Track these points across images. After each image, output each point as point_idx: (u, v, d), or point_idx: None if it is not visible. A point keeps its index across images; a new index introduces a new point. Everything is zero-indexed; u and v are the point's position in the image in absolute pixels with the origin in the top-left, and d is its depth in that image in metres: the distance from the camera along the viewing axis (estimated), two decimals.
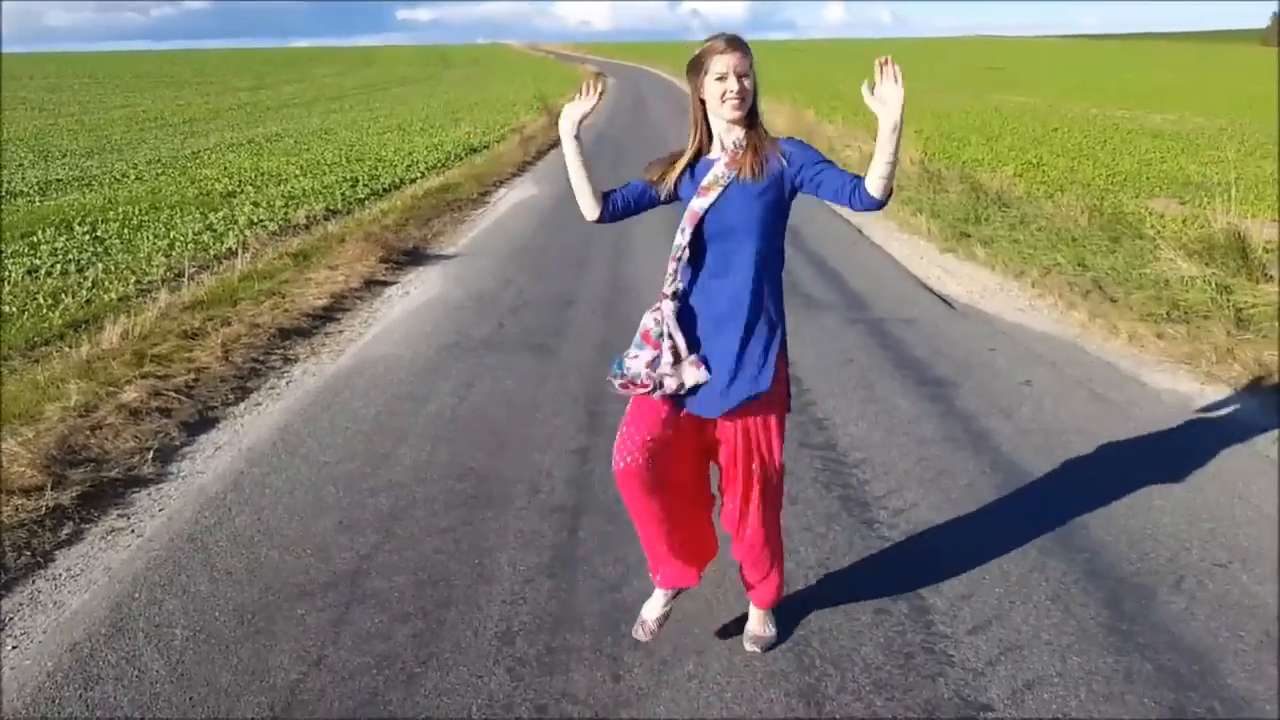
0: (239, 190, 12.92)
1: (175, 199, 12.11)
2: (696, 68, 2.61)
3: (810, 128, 18.85)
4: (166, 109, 30.75)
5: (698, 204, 2.61)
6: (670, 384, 2.64)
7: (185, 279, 7.75)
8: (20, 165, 16.21)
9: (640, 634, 3.00)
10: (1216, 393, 5.19)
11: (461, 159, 16.44)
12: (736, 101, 2.55)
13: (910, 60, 73.30)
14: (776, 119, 20.86)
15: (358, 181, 13.68)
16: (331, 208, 11.65)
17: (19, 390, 5.14)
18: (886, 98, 2.42)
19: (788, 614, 3.16)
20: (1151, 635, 3.04)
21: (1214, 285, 6.75)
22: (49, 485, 4.04)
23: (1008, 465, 4.33)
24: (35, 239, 9.61)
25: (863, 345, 6.08)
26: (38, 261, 8.58)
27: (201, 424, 4.96)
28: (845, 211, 11.15)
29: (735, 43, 2.57)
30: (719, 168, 2.61)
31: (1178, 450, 4.43)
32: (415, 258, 8.86)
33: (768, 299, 2.70)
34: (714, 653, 2.99)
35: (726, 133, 2.64)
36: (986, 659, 2.93)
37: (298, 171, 14.68)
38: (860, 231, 10.03)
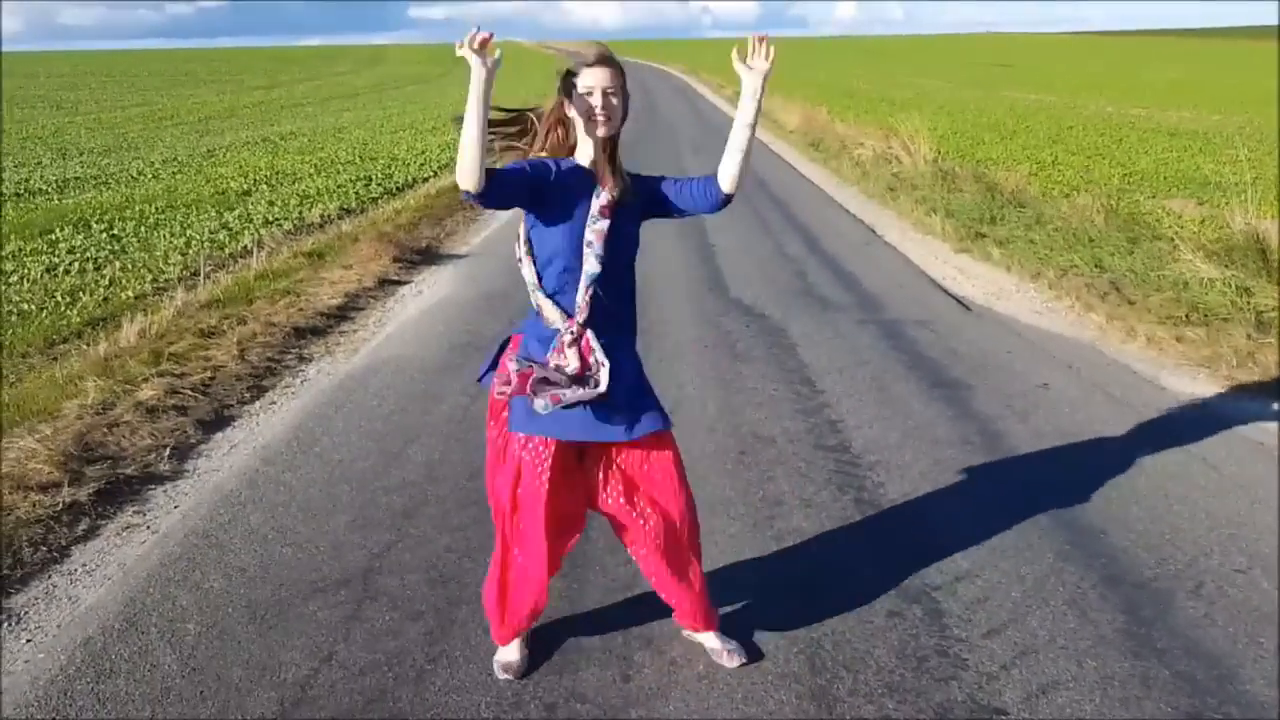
0: (254, 189, 12.97)
1: (191, 197, 12.16)
2: (567, 86, 2.54)
3: (823, 126, 18.80)
4: (182, 107, 30.91)
5: (603, 225, 2.53)
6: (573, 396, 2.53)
7: (201, 278, 7.78)
8: (39, 163, 16.30)
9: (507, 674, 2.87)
10: (1237, 397, 5.15)
11: None
12: (604, 116, 2.49)
13: (922, 57, 73.06)
14: (789, 118, 20.82)
15: (371, 180, 13.72)
16: (345, 207, 11.68)
17: (37, 387, 5.18)
18: (754, 64, 2.44)
19: (801, 616, 3.15)
20: (1169, 640, 3.01)
21: (1234, 287, 6.70)
22: (66, 482, 4.06)
23: (1024, 468, 4.31)
24: (54, 237, 9.66)
25: (877, 347, 6.06)
26: (56, 259, 8.63)
27: (217, 422, 4.97)
28: (859, 211, 11.14)
29: (605, 59, 2.51)
30: (602, 188, 2.54)
31: (1197, 455, 4.39)
32: (428, 257, 8.88)
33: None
34: None
35: (596, 151, 2.57)
36: (1001, 663, 2.91)
37: (312, 170, 14.73)
38: (874, 232, 10.00)
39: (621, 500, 2.73)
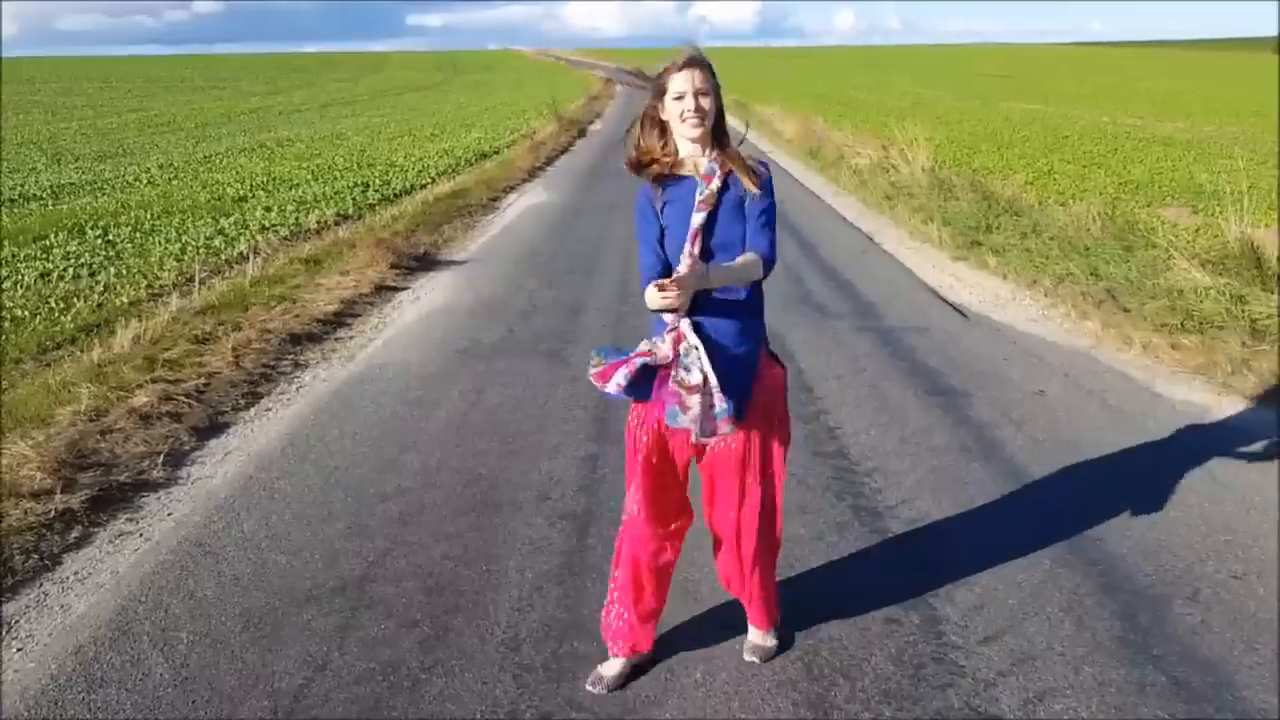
0: (250, 195, 12.96)
1: (187, 203, 12.15)
2: (658, 87, 2.57)
3: (820, 135, 18.83)
4: (179, 113, 30.92)
5: (696, 219, 2.52)
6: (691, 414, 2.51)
7: (196, 284, 7.76)
8: (33, 169, 16.29)
9: (596, 687, 2.83)
10: (1232, 404, 5.14)
11: (472, 164, 16.49)
12: (695, 119, 2.51)
13: (919, 67, 73.29)
14: (786, 126, 20.86)
15: (369, 187, 13.71)
16: (343, 213, 11.67)
17: (30, 394, 5.15)
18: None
19: (797, 623, 3.13)
20: (1166, 647, 3.01)
21: (1228, 295, 6.70)
22: (58, 489, 4.04)
23: (1021, 475, 4.30)
24: (48, 243, 9.64)
25: (874, 354, 6.05)
26: (50, 265, 8.60)
27: (212, 429, 4.96)
28: (856, 219, 11.15)
29: (695, 61, 2.53)
30: (709, 184, 2.54)
31: (1193, 462, 4.38)
32: (426, 263, 8.87)
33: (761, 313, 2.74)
34: (722, 661, 2.97)
35: (696, 153, 2.59)
36: (998, 670, 2.89)
37: (309, 176, 14.72)
38: (871, 240, 10.00)
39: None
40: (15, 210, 11.88)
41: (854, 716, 2.70)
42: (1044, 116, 27.27)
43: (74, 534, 3.84)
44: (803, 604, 3.25)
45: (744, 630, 3.05)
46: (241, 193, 13.12)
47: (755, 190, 2.54)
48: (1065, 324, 6.75)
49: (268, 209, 11.77)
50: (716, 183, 2.53)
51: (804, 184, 14.37)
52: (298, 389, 5.58)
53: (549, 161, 17.11)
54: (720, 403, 2.47)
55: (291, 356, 6.13)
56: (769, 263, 2.56)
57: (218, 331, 6.26)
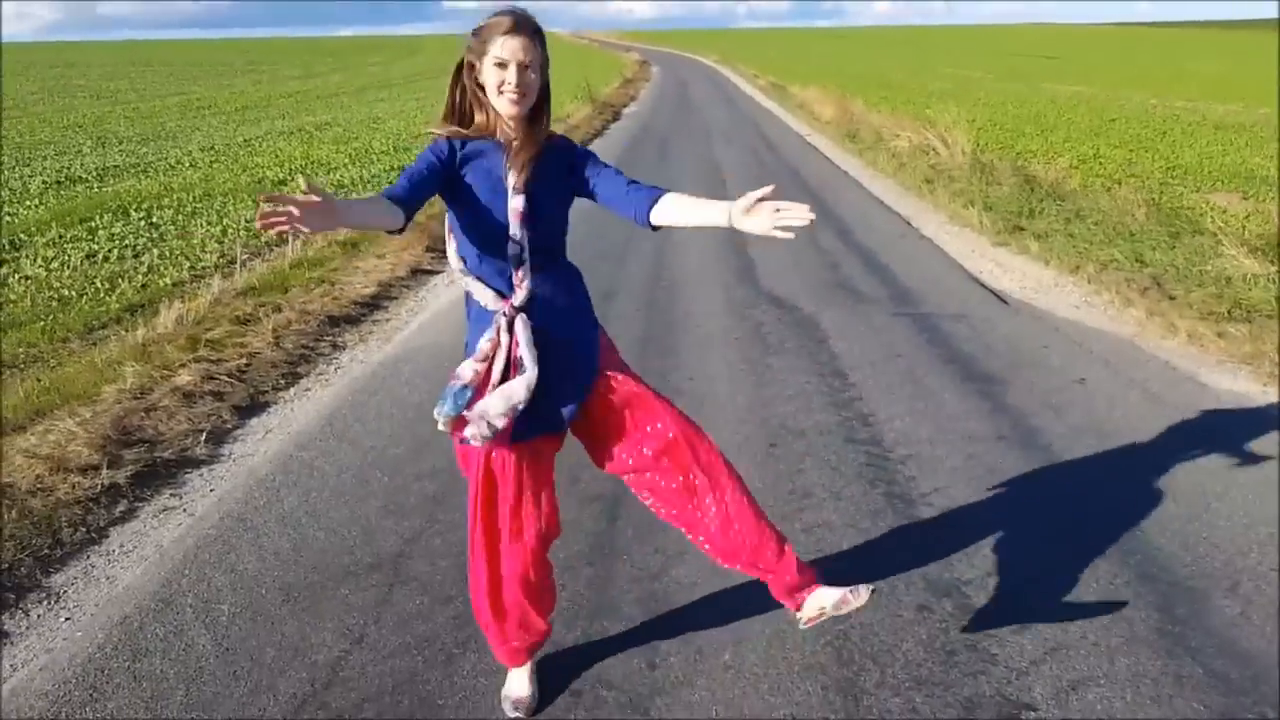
0: (290, 178, 13.08)
1: (228, 186, 12.29)
2: (478, 43, 2.25)
3: (858, 117, 18.66)
4: (219, 97, 31.20)
5: (517, 203, 2.29)
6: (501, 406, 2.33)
7: (238, 266, 7.87)
8: (79, 151, 16.54)
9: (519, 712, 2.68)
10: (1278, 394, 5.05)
11: None
12: (515, 95, 2.22)
13: (961, 48, 72.26)
14: (825, 109, 20.68)
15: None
16: None
17: (77, 372, 5.26)
18: (761, 222, 2.15)
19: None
20: (1203, 639, 2.97)
21: (1277, 283, 6.58)
22: (105, 464, 4.13)
23: (1058, 464, 4.25)
24: (94, 224, 9.81)
25: (911, 341, 6.01)
26: (96, 246, 8.76)
27: (253, 408, 5.04)
28: (895, 203, 11.05)
29: (525, 25, 2.21)
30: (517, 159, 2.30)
31: (1236, 453, 4.32)
32: None
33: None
34: (751, 643, 2.98)
35: (503, 126, 2.34)
36: (1031, 658, 2.88)
37: (346, 160, 14.83)
38: (909, 224, 9.90)
39: (622, 455, 2.52)
40: (62, 193, 12.09)
41: (884, 702, 2.71)
42: (1089, 99, 26.80)
43: (119, 508, 3.93)
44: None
45: (775, 608, 3.05)
46: (281, 176, 13.25)
47: (519, 174, 2.29)
48: (1108, 311, 6.66)
49: (307, 192, 11.86)
50: (525, 165, 2.29)
51: (841, 167, 14.24)
52: (336, 370, 5.65)
53: (583, 146, 17.09)
54: (497, 416, 2.30)
55: (330, 338, 6.20)
56: (644, 196, 2.32)
57: (258, 313, 6.35)
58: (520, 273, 2.35)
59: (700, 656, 2.91)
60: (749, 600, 3.19)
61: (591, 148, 11.86)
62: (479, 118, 2.35)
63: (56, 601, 3.30)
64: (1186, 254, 7.56)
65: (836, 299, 6.97)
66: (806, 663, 2.88)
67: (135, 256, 8.46)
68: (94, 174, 13.74)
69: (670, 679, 2.81)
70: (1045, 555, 3.47)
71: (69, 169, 14.18)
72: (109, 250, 8.63)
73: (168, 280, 7.57)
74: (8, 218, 10.23)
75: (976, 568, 3.39)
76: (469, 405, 2.33)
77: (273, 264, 8.03)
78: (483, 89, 2.30)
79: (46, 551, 3.57)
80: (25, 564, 3.47)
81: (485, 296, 2.38)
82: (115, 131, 20.16)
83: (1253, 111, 22.85)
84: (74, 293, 7.19)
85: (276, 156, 15.40)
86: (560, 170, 2.37)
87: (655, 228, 2.32)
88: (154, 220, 10.12)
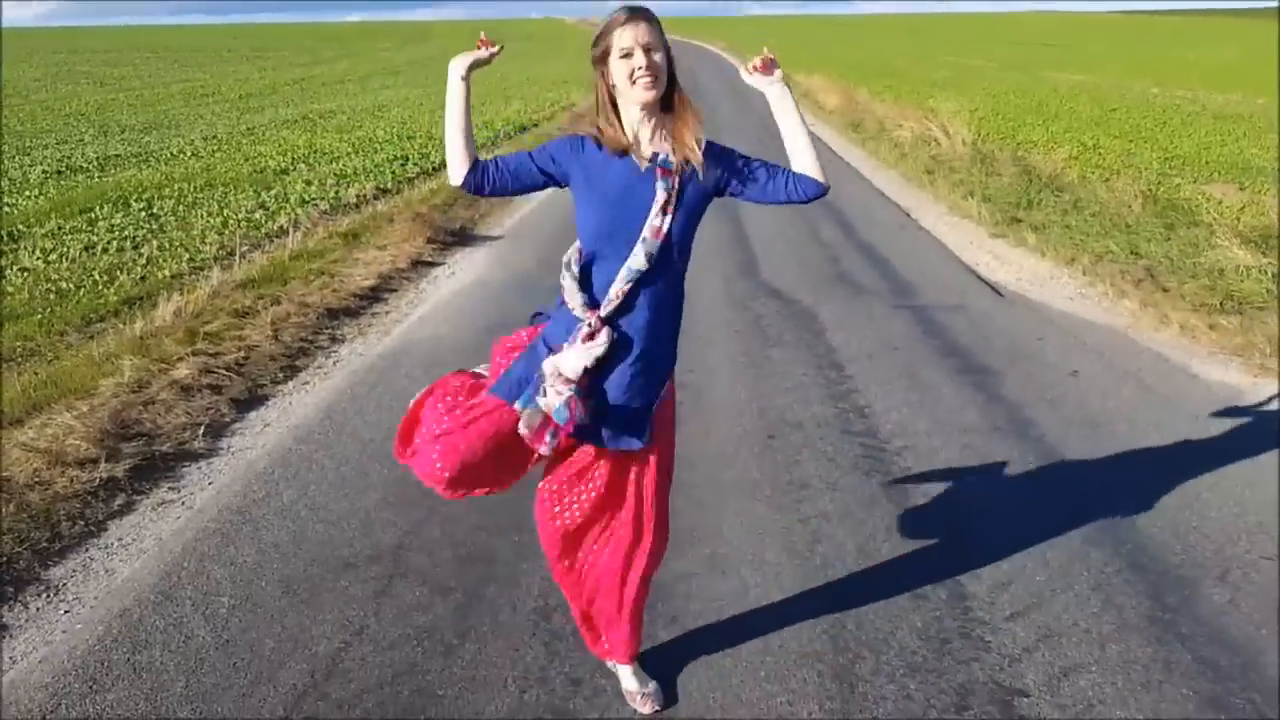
0: (292, 168, 13.06)
1: (230, 176, 12.28)
2: (600, 51, 2.27)
3: (862, 106, 18.63)
4: (223, 84, 31.12)
5: (661, 222, 2.25)
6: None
7: (237, 257, 7.88)
8: (81, 140, 16.52)
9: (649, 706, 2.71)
10: (1269, 386, 5.08)
11: (511, 137, 16.49)
12: (648, 78, 2.20)
13: (964, 36, 72.06)
14: (829, 98, 20.66)
15: (408, 160, 13.77)
16: (381, 186, 11.74)
17: (75, 365, 5.28)
18: (766, 80, 2.32)
19: (825, 597, 3.17)
20: (1193, 626, 3.01)
21: (1270, 275, 6.60)
22: (103, 458, 4.15)
23: (1052, 455, 4.29)
24: (93, 215, 9.80)
25: (908, 332, 6.03)
26: (95, 238, 8.75)
27: (251, 401, 5.06)
28: (896, 194, 11.05)
29: (638, 12, 2.23)
30: (671, 181, 2.26)
31: (1228, 443, 4.36)
32: (462, 238, 8.93)
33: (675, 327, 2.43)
34: (749, 632, 3.01)
35: (643, 124, 2.28)
36: (1023, 645, 2.92)
37: (350, 149, 14.81)
38: (909, 215, 9.92)
39: (587, 507, 2.54)
40: (62, 182, 12.08)
41: (878, 689, 2.74)
42: (1091, 88, 26.75)
43: (118, 502, 3.95)
44: (829, 578, 3.29)
45: (772, 597, 3.09)
46: (283, 165, 13.24)
47: (708, 178, 2.29)
48: (1103, 303, 6.68)
49: (308, 182, 11.87)
50: (676, 181, 2.26)
51: (844, 158, 14.24)
52: (335, 363, 5.67)
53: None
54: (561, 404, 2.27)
55: (329, 331, 6.22)
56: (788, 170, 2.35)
57: (257, 305, 6.37)
58: (626, 287, 2.28)
59: (698, 645, 2.94)
60: (746, 590, 3.23)
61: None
62: (616, 135, 2.31)
63: (56, 594, 3.33)
64: (1181, 246, 7.58)
65: (836, 292, 6.99)
66: (803, 651, 2.92)
67: (134, 248, 8.46)
68: (95, 163, 13.72)
69: (668, 667, 2.84)
70: (1038, 544, 3.50)
71: (70, 158, 14.17)
72: (108, 242, 8.62)
73: (167, 272, 7.57)
74: (6, 208, 10.23)
75: (970, 557, 3.42)
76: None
77: (272, 255, 8.04)
78: (615, 104, 2.30)
79: (45, 545, 3.59)
80: (24, 557, 3.50)
81: (575, 301, 2.33)
82: (118, 119, 20.12)
83: (1251, 101, 22.82)
84: (72, 285, 7.20)
85: (279, 145, 15.38)
86: (706, 186, 2.32)
87: (826, 186, 2.33)
88: (154, 211, 10.12)
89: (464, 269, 7.83)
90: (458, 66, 2.36)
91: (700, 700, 2.73)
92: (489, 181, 2.35)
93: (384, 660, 2.91)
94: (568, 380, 2.27)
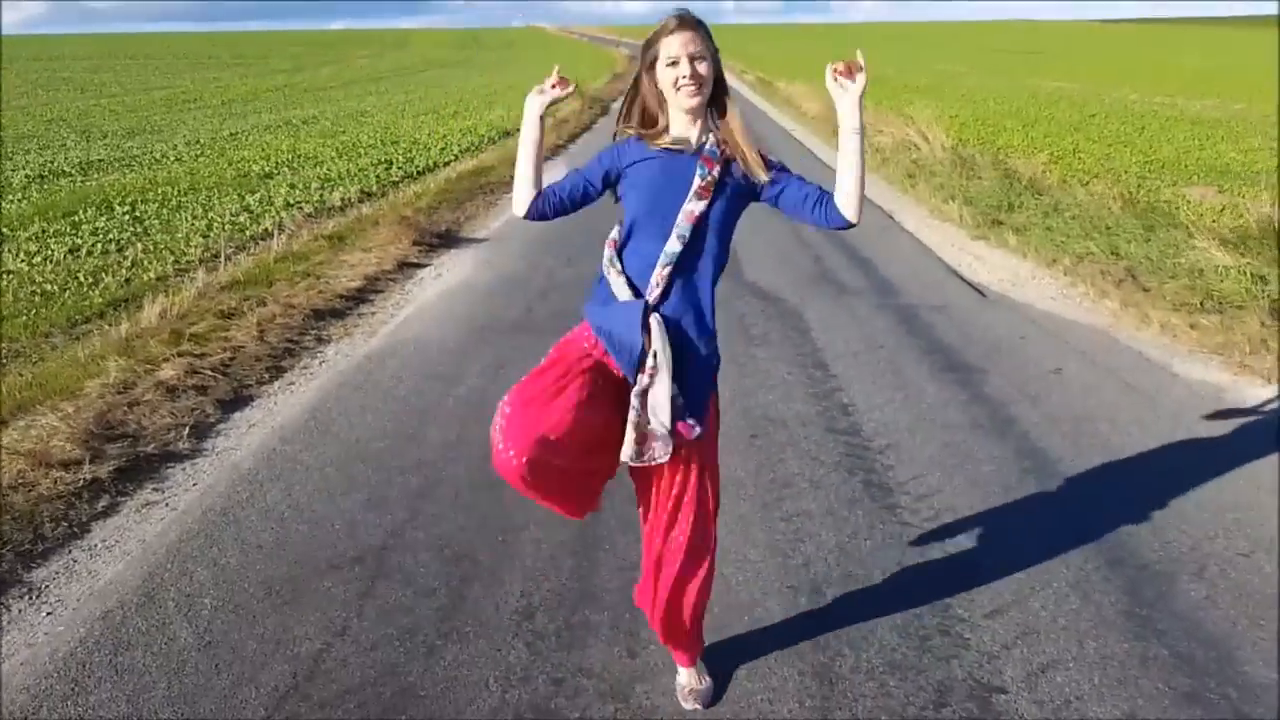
0: (276, 172, 13.05)
1: (213, 180, 12.26)
2: (649, 55, 2.34)
3: None
4: (206, 90, 31.06)
5: (695, 206, 2.31)
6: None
7: (222, 259, 7.86)
8: (64, 145, 16.46)
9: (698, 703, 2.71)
10: (1249, 384, 5.14)
11: (495, 142, 16.50)
12: (692, 87, 2.27)
13: (947, 44, 72.48)
14: (811, 104, 20.74)
15: (392, 164, 13.78)
16: (366, 190, 11.74)
17: (60, 367, 5.27)
18: (848, 85, 2.30)
19: (805, 595, 3.19)
20: (1170, 622, 3.04)
21: (1249, 275, 6.67)
22: (87, 459, 4.14)
23: (1033, 452, 4.32)
24: (77, 218, 9.77)
25: (892, 332, 6.07)
26: (79, 241, 8.73)
27: (236, 402, 5.05)
28: (877, 197, 11.11)
29: (687, 21, 2.29)
30: (710, 169, 2.32)
31: (1206, 440, 4.41)
32: (447, 240, 8.93)
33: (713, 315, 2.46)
34: (730, 631, 3.03)
35: (688, 126, 2.35)
36: (1002, 642, 2.94)
37: (334, 154, 14.80)
38: (892, 218, 9.97)
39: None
40: (46, 186, 12.03)
41: (858, 686, 2.76)
42: (1071, 94, 26.96)
43: (102, 503, 3.93)
44: (811, 577, 3.31)
45: (754, 598, 3.10)
46: (267, 170, 13.22)
47: (763, 176, 2.35)
48: (1084, 303, 6.74)
49: (292, 186, 11.86)
50: (718, 169, 2.32)
51: (826, 162, 14.31)
52: (321, 364, 5.66)
53: (572, 139, 17.09)
54: (664, 423, 2.30)
55: (315, 332, 6.21)
56: (826, 193, 2.39)
57: (243, 307, 6.36)
58: (665, 272, 2.32)
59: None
60: (728, 590, 3.24)
61: (581, 141, 11.81)
62: (663, 122, 2.39)
63: (38, 596, 3.31)
64: (1161, 247, 7.65)
65: (820, 291, 7.03)
66: (784, 648, 2.93)
67: (119, 251, 8.44)
68: (78, 168, 13.67)
69: (650, 667, 2.86)
70: (1018, 540, 3.53)
71: (53, 163, 14.10)
72: (92, 245, 8.60)
73: (151, 274, 7.56)
74: None
75: (949, 554, 3.46)
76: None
77: (257, 258, 8.03)
78: (663, 98, 2.36)
79: (28, 546, 3.58)
80: (6, 559, 3.48)
81: (623, 292, 2.37)
82: (100, 125, 20.05)
83: (1228, 107, 23.04)
84: (57, 287, 7.17)
85: (263, 150, 15.35)
86: (746, 184, 2.38)
87: (853, 224, 2.37)
88: (138, 214, 10.09)
89: (450, 271, 7.84)
90: (534, 106, 2.43)
91: (682, 700, 2.74)
92: (550, 207, 2.49)
93: (366, 661, 2.91)
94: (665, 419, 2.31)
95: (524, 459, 2.15)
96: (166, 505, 3.94)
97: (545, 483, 2.24)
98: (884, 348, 5.74)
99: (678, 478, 2.44)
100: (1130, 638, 2.96)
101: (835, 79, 2.31)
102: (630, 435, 2.31)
